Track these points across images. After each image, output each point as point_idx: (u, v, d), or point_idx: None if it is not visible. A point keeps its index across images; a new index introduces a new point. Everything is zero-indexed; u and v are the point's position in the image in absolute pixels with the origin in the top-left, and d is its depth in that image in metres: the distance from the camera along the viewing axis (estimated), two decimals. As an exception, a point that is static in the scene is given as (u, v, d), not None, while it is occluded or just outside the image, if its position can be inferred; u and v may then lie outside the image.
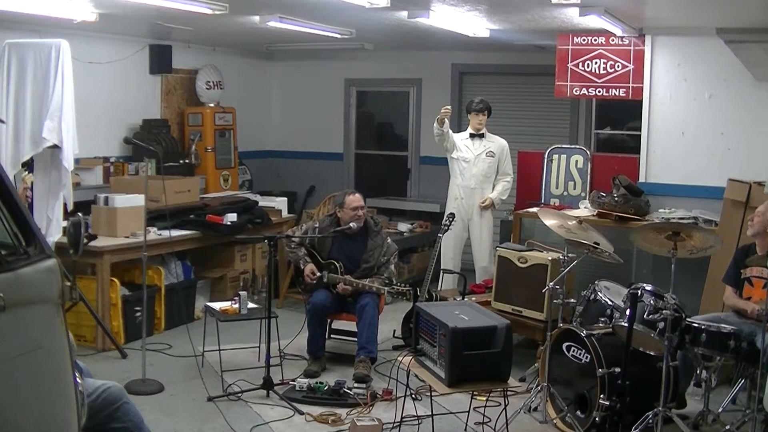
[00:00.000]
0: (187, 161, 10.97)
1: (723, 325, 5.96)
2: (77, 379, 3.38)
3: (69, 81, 7.20)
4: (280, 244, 9.40)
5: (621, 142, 11.26)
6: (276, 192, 11.99)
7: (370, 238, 7.75)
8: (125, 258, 8.12)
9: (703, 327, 5.93)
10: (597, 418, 5.82)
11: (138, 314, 8.00)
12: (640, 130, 8.92)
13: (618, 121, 11.33)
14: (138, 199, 8.07)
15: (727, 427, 5.98)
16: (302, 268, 7.58)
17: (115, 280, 7.99)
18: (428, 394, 5.94)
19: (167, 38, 10.73)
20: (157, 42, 10.74)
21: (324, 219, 8.03)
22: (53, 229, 7.44)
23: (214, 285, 9.56)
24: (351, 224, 7.59)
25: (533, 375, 7.11)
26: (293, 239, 7.74)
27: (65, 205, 7.49)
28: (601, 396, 5.77)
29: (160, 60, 10.81)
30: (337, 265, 7.56)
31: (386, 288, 7.36)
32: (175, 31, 9.95)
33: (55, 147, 7.22)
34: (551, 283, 6.50)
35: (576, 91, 9.14)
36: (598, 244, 6.33)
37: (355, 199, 7.68)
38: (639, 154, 8.92)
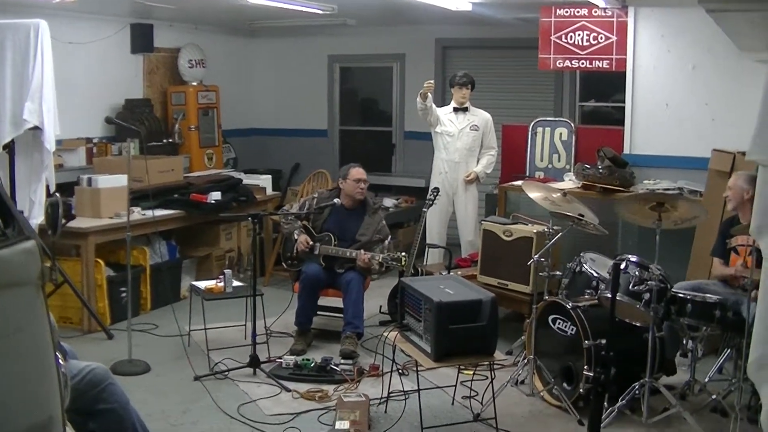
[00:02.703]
0: (170, 140, 10.93)
1: (708, 295, 5.96)
2: (60, 361, 3.36)
3: (49, 61, 7.13)
4: (265, 221, 9.41)
5: (606, 115, 11.25)
6: (261, 170, 11.96)
7: (368, 215, 7.74)
8: (110, 239, 8.09)
9: (688, 297, 5.94)
10: (582, 390, 5.84)
11: (123, 295, 7.97)
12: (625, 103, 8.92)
13: (603, 94, 11.31)
14: (121, 180, 8.05)
15: (714, 397, 6.01)
16: (296, 238, 7.57)
17: (100, 261, 7.96)
18: (415, 369, 5.94)
19: (148, 17, 10.66)
20: (138, 21, 10.66)
21: (324, 191, 8.04)
22: (36, 211, 7.39)
23: (199, 264, 9.54)
24: (335, 200, 7.60)
25: (520, 348, 7.12)
26: (288, 213, 7.81)
27: (48, 187, 7.44)
28: (586, 367, 5.78)
29: (142, 39, 10.74)
30: (331, 236, 7.56)
31: (381, 255, 7.34)
32: (156, 10, 9.89)
33: (37, 128, 7.16)
34: (536, 256, 6.49)
35: (559, 64, 9.11)
36: (583, 216, 6.32)
37: (359, 172, 7.68)
38: (624, 126, 8.91)
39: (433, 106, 9.07)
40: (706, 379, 6.42)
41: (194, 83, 11.35)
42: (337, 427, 5.52)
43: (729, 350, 6.49)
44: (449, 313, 5.29)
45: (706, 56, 8.34)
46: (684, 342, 6.29)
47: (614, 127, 9.42)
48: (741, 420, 5.51)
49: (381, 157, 12.82)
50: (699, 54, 8.38)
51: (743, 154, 7.46)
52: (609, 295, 5.84)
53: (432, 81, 8.99)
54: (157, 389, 6.44)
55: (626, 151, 8.76)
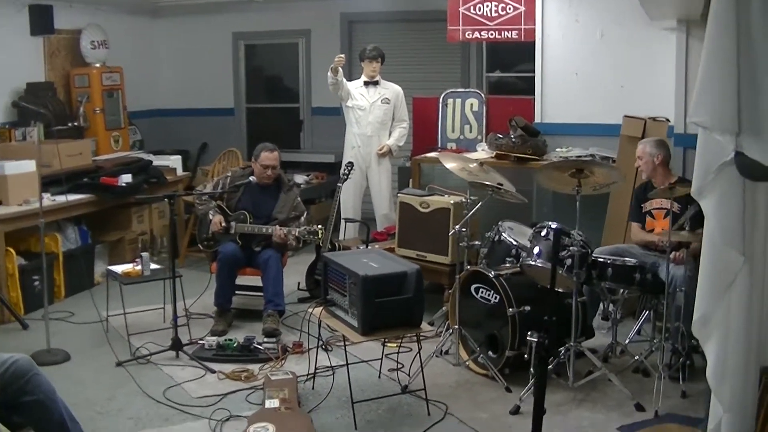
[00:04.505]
0: (75, 124, 10.68)
1: (628, 259, 6.08)
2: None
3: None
4: (177, 202, 9.28)
5: (511, 85, 11.33)
6: (168, 150, 11.78)
7: (283, 192, 7.68)
8: (19, 226, 7.88)
9: (608, 262, 6.06)
10: (526, 355, 5.89)
11: (37, 283, 7.82)
12: (530, 73, 8.97)
13: (508, 64, 11.38)
14: (29, 165, 7.87)
15: (636, 357, 6.13)
16: (211, 219, 7.48)
17: (11, 249, 7.75)
18: (339, 344, 5.92)
19: (47, -2, 10.39)
20: (36, 2, 10.37)
21: (237, 170, 7.96)
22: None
23: (112, 248, 9.37)
24: (250, 178, 7.54)
25: (441, 319, 7.17)
26: (204, 193, 7.71)
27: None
28: (530, 333, 5.79)
29: (42, 21, 10.42)
30: (247, 214, 7.48)
31: (297, 230, 7.28)
32: (55, -10, 9.66)
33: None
34: (457, 227, 6.51)
35: (468, 35, 9.12)
36: (502, 185, 6.36)
37: (269, 157, 7.56)
38: (532, 95, 8.97)
39: (344, 80, 9.05)
40: (627, 341, 6.55)
41: (97, 65, 11.10)
42: (267, 405, 5.47)
43: (647, 312, 6.63)
44: (375, 286, 5.28)
45: (614, 24, 8.45)
46: (604, 305, 6.40)
47: (525, 96, 9.50)
48: (663, 379, 5.63)
49: (289, 133, 12.73)
50: (607, 22, 8.48)
51: (654, 119, 7.60)
52: (531, 263, 5.92)
53: (342, 55, 8.99)
54: (80, 377, 6.30)
55: (537, 120, 8.84)
